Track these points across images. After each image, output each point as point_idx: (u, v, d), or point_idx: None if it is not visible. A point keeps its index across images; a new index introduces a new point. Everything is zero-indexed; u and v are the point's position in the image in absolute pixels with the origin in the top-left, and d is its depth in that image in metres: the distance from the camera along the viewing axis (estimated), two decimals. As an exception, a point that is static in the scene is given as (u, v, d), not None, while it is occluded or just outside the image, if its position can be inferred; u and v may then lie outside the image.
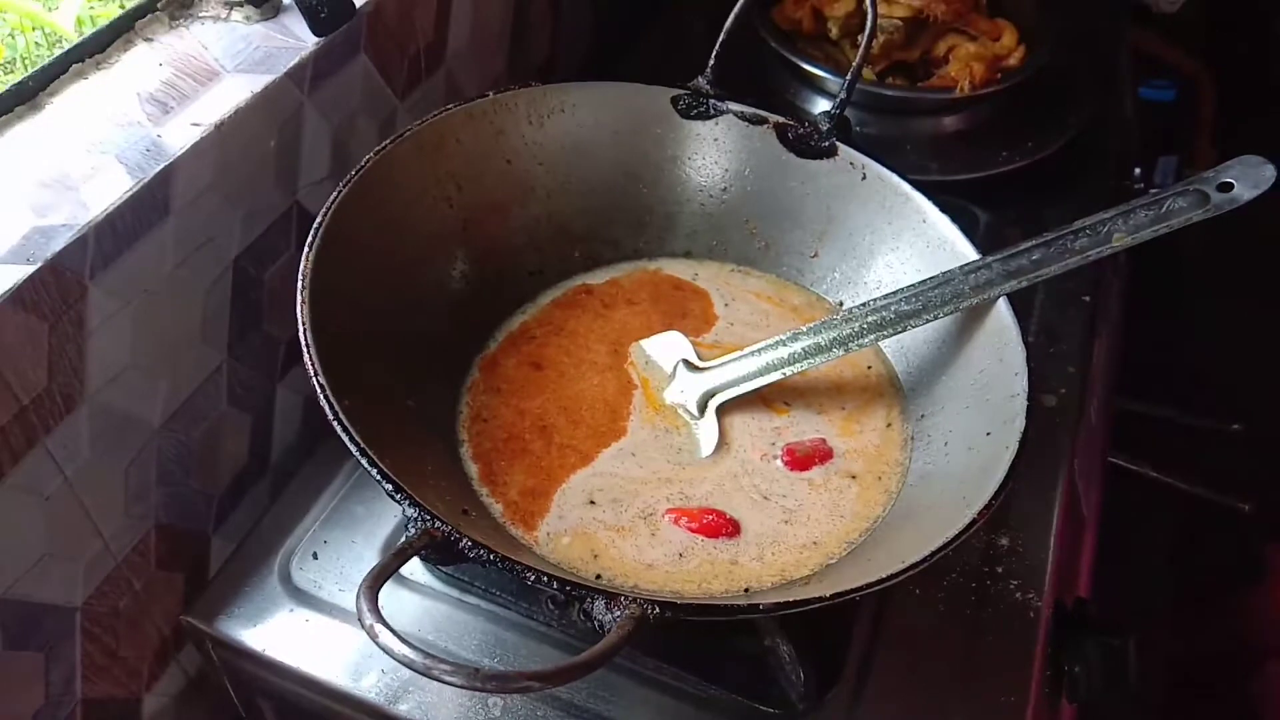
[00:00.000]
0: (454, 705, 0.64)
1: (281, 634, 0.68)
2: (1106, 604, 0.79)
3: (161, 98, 0.67)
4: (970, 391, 0.67)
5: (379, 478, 0.52)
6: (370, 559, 0.71)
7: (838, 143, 0.76)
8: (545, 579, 0.49)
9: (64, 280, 0.58)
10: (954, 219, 0.72)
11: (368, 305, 0.65)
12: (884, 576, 0.52)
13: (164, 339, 0.67)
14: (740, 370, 0.71)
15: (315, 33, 0.72)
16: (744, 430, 0.71)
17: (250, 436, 0.78)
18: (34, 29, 0.86)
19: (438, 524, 0.50)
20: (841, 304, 0.78)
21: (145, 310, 0.64)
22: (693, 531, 0.64)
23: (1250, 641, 1.14)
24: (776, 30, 1.03)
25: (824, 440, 0.71)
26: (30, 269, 0.56)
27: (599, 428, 0.69)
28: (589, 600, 0.49)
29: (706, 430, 0.70)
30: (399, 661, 0.42)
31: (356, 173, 0.66)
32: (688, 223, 0.81)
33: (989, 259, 0.68)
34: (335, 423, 0.53)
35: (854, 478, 0.69)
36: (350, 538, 0.73)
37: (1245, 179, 0.65)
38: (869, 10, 0.74)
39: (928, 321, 0.68)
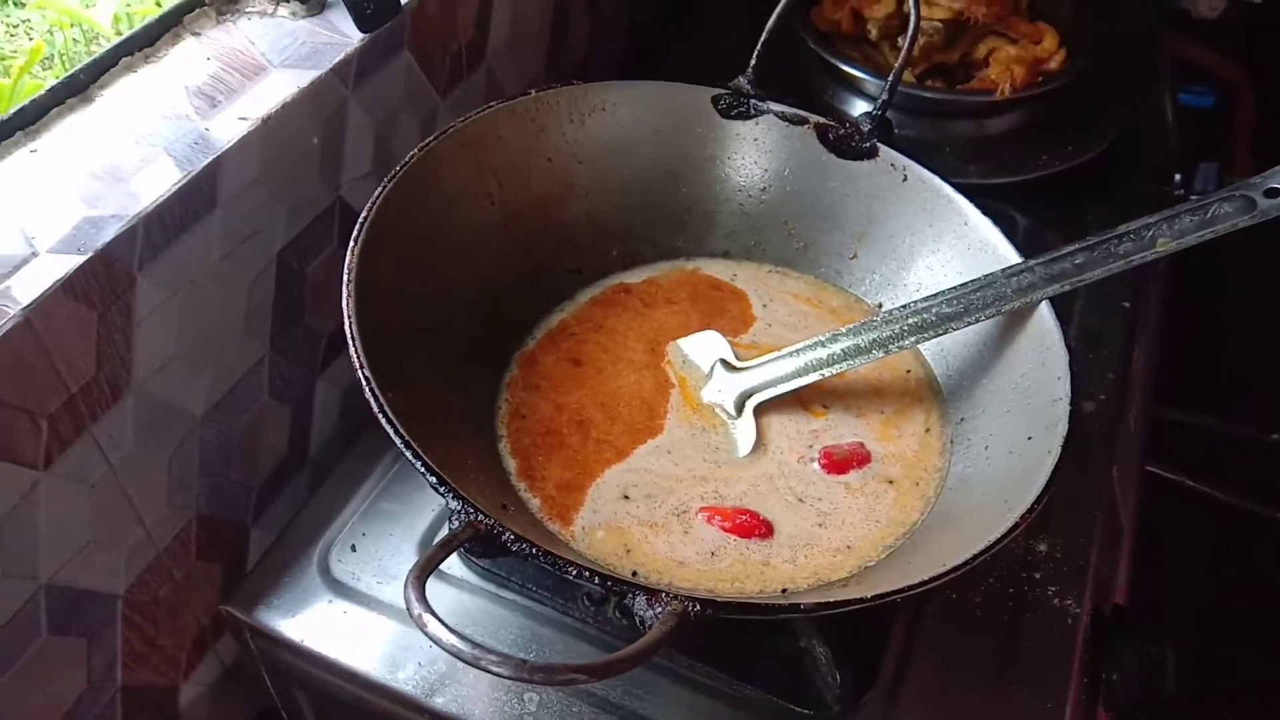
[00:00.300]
0: (489, 699, 0.64)
1: (319, 625, 0.69)
2: (1144, 613, 0.78)
3: (209, 92, 0.68)
4: (1011, 395, 0.67)
5: (423, 470, 0.52)
6: (408, 552, 0.72)
7: (879, 144, 0.76)
8: (587, 574, 0.50)
9: (113, 270, 0.59)
10: (995, 222, 0.72)
11: (410, 300, 0.65)
12: (925, 579, 0.52)
13: (208, 331, 0.68)
14: (778, 371, 0.71)
15: (361, 29, 0.73)
16: (781, 432, 0.71)
17: (290, 429, 0.79)
18: (72, 25, 0.88)
19: (481, 517, 0.50)
20: (881, 306, 0.78)
21: (191, 302, 0.65)
22: (726, 531, 0.64)
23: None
24: (815, 31, 1.03)
25: (862, 444, 0.71)
26: (81, 259, 0.57)
27: (635, 424, 0.69)
28: (629, 596, 0.49)
29: (744, 430, 0.70)
30: (448, 651, 0.42)
31: (401, 168, 0.66)
32: (726, 222, 0.81)
33: (1031, 262, 0.68)
34: (380, 415, 0.54)
35: (891, 482, 0.69)
36: (388, 530, 0.73)
37: (1294, 185, 0.65)
38: (911, 11, 0.73)
39: (969, 324, 0.68)
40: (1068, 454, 0.58)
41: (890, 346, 0.69)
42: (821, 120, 0.78)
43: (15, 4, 0.90)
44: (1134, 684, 0.69)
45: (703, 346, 0.75)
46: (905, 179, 0.76)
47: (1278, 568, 1.18)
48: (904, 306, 0.70)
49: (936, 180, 0.75)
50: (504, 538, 0.50)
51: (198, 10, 0.73)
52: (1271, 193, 0.65)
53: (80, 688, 0.66)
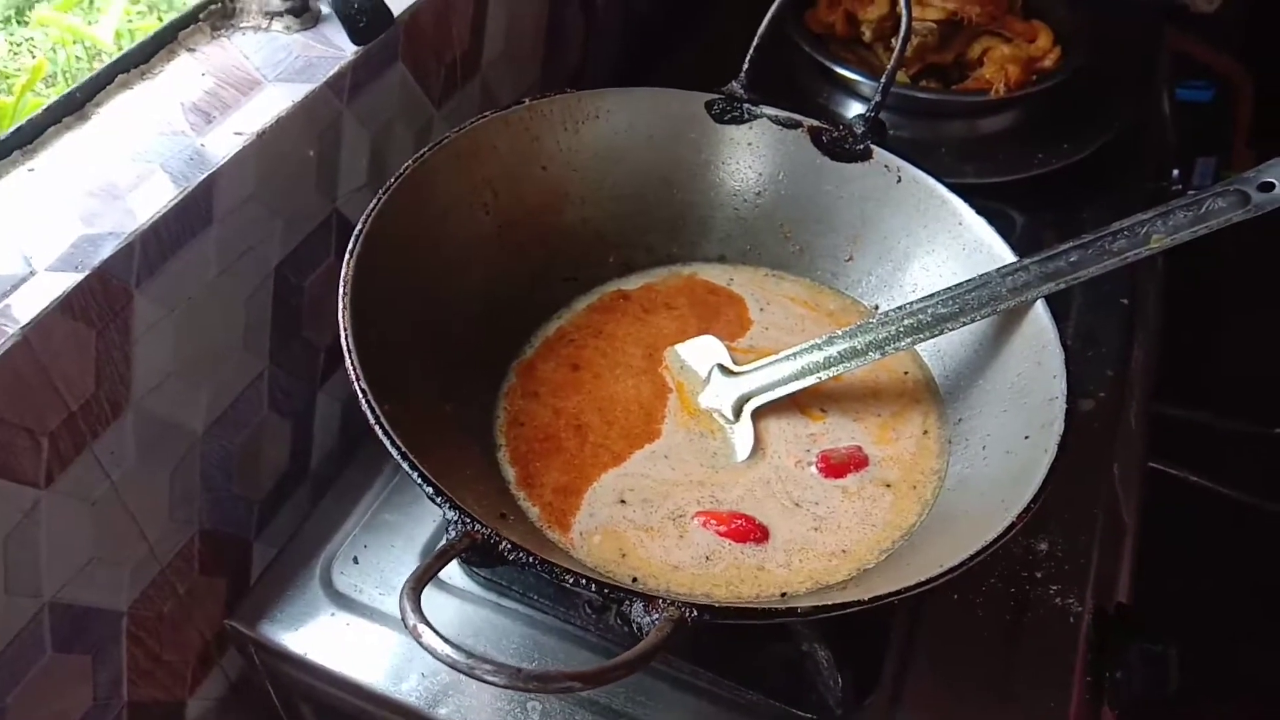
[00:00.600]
0: (492, 709, 0.65)
1: (323, 638, 0.69)
2: (1148, 611, 0.78)
3: (204, 107, 0.68)
4: (1008, 395, 0.67)
5: (420, 481, 0.52)
6: (410, 563, 0.72)
7: (873, 145, 0.76)
8: (584, 581, 0.50)
9: (111, 288, 0.59)
10: (990, 221, 0.72)
11: (406, 311, 0.66)
12: (921, 581, 0.52)
13: (207, 346, 0.68)
14: (776, 374, 0.71)
15: (354, 41, 0.73)
16: (779, 436, 0.71)
17: (291, 442, 0.79)
18: (75, 43, 0.88)
19: (478, 527, 0.50)
20: (877, 308, 0.78)
21: (189, 318, 0.65)
22: (721, 535, 0.64)
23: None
24: (809, 34, 1.03)
25: (860, 448, 0.71)
26: (78, 277, 0.57)
27: (633, 429, 0.70)
28: (626, 603, 0.49)
29: (742, 434, 0.70)
30: (442, 661, 0.42)
31: (396, 180, 0.67)
32: (722, 227, 0.81)
33: (1026, 261, 0.68)
34: (377, 427, 0.54)
35: (889, 486, 0.69)
36: (390, 542, 0.73)
37: (1288, 178, 0.65)
38: (904, 12, 0.74)
39: (965, 324, 0.68)
40: (1064, 453, 0.58)
41: (886, 348, 0.69)
42: (815, 123, 0.78)
43: (19, 22, 0.91)
44: (1138, 682, 0.69)
45: (700, 352, 0.75)
46: (899, 180, 0.76)
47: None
48: (900, 308, 0.70)
49: (930, 181, 0.75)
50: (501, 547, 0.50)
51: (193, 26, 0.74)
52: (1265, 187, 0.65)
53: (86, 705, 0.66)
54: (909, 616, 0.69)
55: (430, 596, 0.69)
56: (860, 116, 0.77)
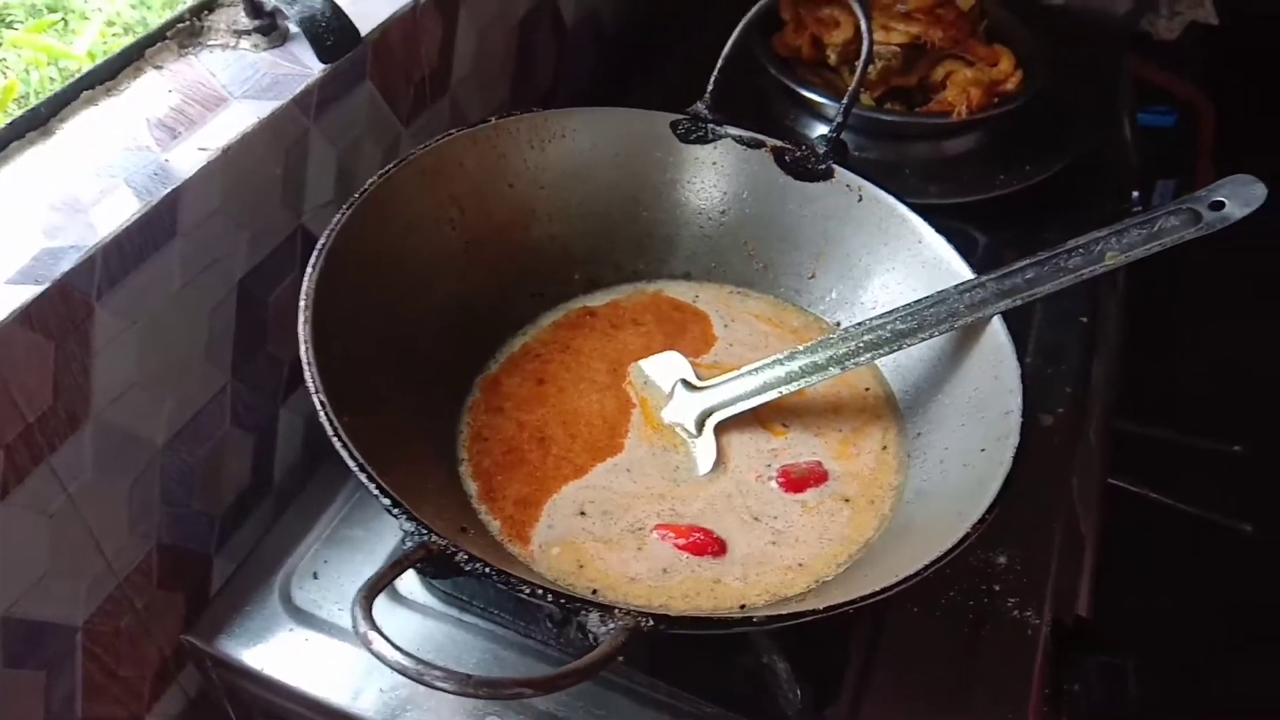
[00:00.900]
0: (452, 723, 0.64)
1: (281, 653, 0.68)
2: (1109, 626, 0.79)
3: (170, 123, 0.69)
4: (966, 409, 0.68)
5: (376, 492, 0.52)
6: (371, 578, 0.72)
7: (834, 165, 0.77)
8: (540, 592, 0.50)
9: (71, 300, 0.59)
10: (950, 240, 0.73)
11: (369, 326, 0.66)
12: (876, 590, 0.53)
13: (169, 359, 0.68)
14: (738, 389, 0.72)
15: (321, 59, 0.73)
16: (741, 451, 0.72)
17: (253, 457, 0.79)
18: (49, 64, 0.88)
19: (434, 538, 0.50)
20: (839, 325, 0.79)
21: (151, 330, 0.65)
22: (679, 548, 0.65)
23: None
24: (776, 58, 1.04)
25: (819, 463, 0.72)
26: (38, 289, 0.57)
27: (596, 443, 0.70)
28: (583, 613, 0.49)
29: (704, 448, 0.71)
30: (392, 668, 0.42)
31: (360, 195, 0.67)
32: (687, 245, 0.82)
33: (984, 278, 0.69)
34: (335, 438, 0.54)
35: (847, 501, 0.69)
36: (351, 558, 0.73)
37: (1237, 197, 0.66)
38: (865, 34, 0.75)
39: (923, 340, 0.69)
40: (1020, 465, 0.59)
41: (846, 363, 0.70)
42: (778, 143, 0.79)
43: (-10, 43, 0.91)
44: (1095, 694, 0.70)
45: (664, 367, 0.75)
46: (860, 199, 0.77)
47: (1243, 579, 1.19)
48: (860, 324, 0.71)
49: (891, 200, 0.76)
50: (457, 558, 0.50)
51: (160, 44, 0.74)
52: (1216, 205, 0.67)
53: (40, 721, 0.65)
54: (869, 629, 0.70)
55: (390, 611, 0.70)
56: (822, 137, 0.78)
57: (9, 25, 0.86)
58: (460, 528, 0.62)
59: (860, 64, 0.76)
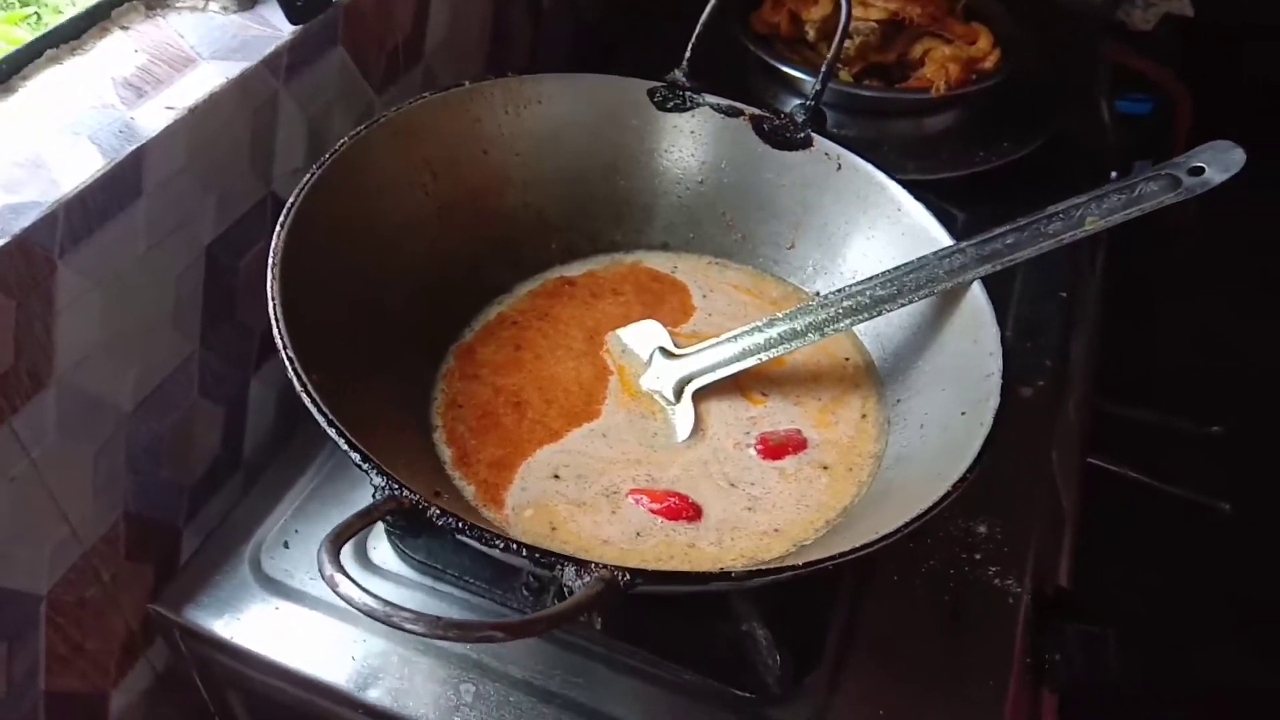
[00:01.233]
0: (424, 691, 0.63)
1: (251, 622, 0.67)
2: (1088, 600, 0.78)
3: (136, 82, 0.67)
4: (946, 374, 0.67)
5: (346, 448, 0.51)
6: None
7: (813, 134, 0.77)
8: (515, 547, 0.49)
9: (32, 257, 0.57)
10: (929, 209, 0.72)
11: (340, 288, 0.65)
12: (857, 546, 0.52)
13: (135, 323, 0.66)
14: (716, 356, 0.71)
15: (291, 20, 0.72)
16: (719, 419, 0.71)
17: (223, 429, 0.78)
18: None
19: (405, 493, 0.49)
20: (818, 294, 0.78)
21: (116, 292, 0.64)
22: (653, 513, 0.64)
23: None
24: (754, 35, 1.04)
25: (798, 430, 0.71)
26: (-3, 243, 0.56)
27: (572, 409, 0.69)
28: (559, 568, 0.48)
29: (682, 415, 0.70)
30: (360, 610, 0.41)
31: (331, 155, 0.66)
32: (665, 215, 0.81)
33: (964, 244, 0.69)
34: (303, 393, 0.53)
35: (826, 468, 0.69)
36: (322, 528, 0.71)
37: (1216, 163, 0.66)
38: (843, 3, 0.74)
39: (903, 305, 0.68)
40: (1000, 425, 0.58)
41: (826, 329, 0.69)
42: (756, 111, 0.78)
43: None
44: (1076, 663, 0.69)
45: (642, 335, 0.74)
46: (839, 168, 0.76)
47: (1223, 558, 1.20)
48: (839, 290, 0.70)
49: (869, 168, 0.75)
50: (429, 513, 0.49)
51: (126, 4, 0.72)
52: (1195, 171, 0.67)
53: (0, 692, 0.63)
54: (849, 596, 0.69)
55: (363, 578, 0.68)
56: (801, 105, 0.77)
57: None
58: (434, 491, 0.61)
59: (839, 29, 0.75)
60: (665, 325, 0.75)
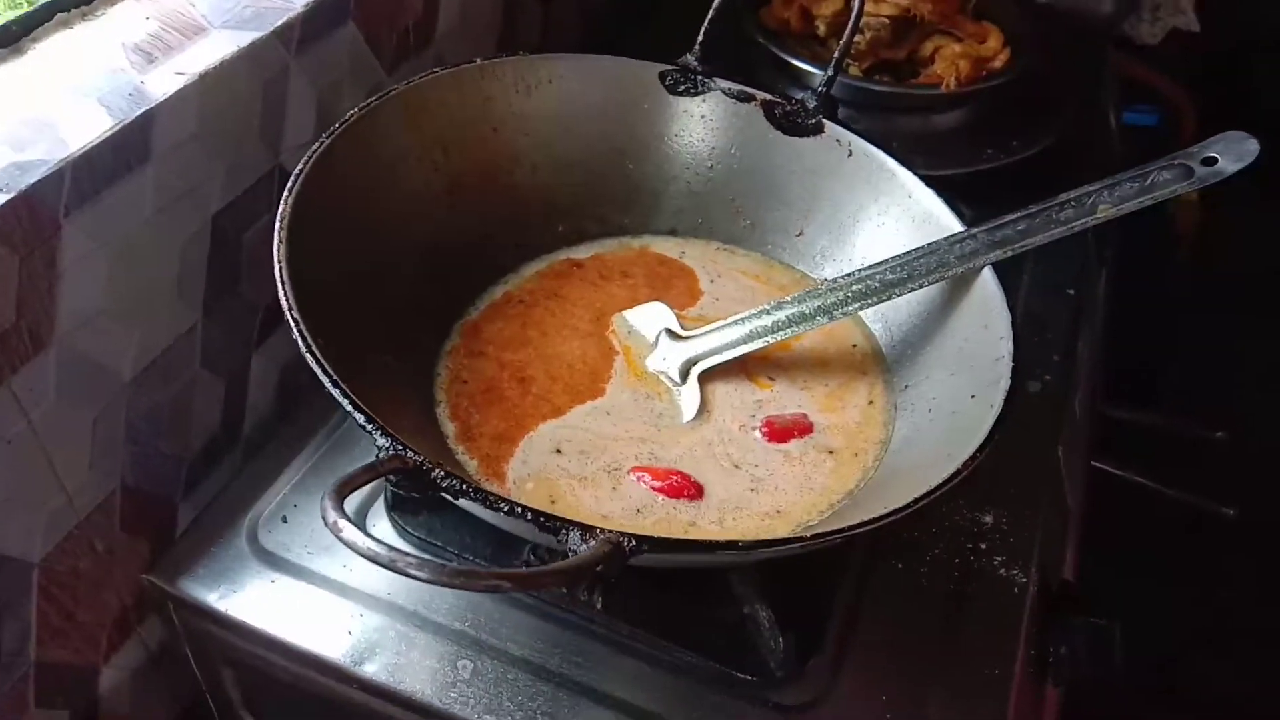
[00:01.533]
0: (422, 667, 0.62)
1: (247, 595, 0.66)
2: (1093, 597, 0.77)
3: (147, 48, 0.67)
4: (955, 359, 0.67)
5: (350, 408, 0.50)
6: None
7: (824, 120, 0.76)
8: (519, 510, 0.48)
9: (38, 214, 0.57)
10: (939, 194, 0.72)
11: (346, 259, 0.64)
12: (865, 520, 0.51)
13: (139, 289, 0.66)
14: (724, 338, 0.71)
15: (303, -8, 0.72)
16: (726, 401, 0.70)
17: (223, 404, 0.77)
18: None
19: (409, 453, 0.48)
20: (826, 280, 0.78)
21: (121, 256, 0.63)
22: (655, 490, 0.63)
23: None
24: (765, 30, 1.04)
25: (805, 414, 0.70)
26: (2, 198, 0.55)
27: (577, 386, 0.68)
28: (563, 533, 0.47)
29: (688, 396, 0.69)
30: (364, 556, 0.40)
31: (341, 125, 0.65)
32: (674, 200, 0.81)
33: (975, 230, 0.68)
34: (307, 354, 0.52)
35: (831, 453, 0.68)
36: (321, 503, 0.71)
37: (1229, 153, 0.66)
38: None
39: (912, 290, 0.68)
40: (1011, 407, 0.58)
41: (835, 313, 0.69)
42: (768, 97, 0.78)
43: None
44: (1081, 656, 0.69)
45: (648, 317, 0.74)
46: (850, 154, 0.76)
47: (1226, 564, 1.19)
48: (848, 275, 0.70)
49: (880, 155, 0.75)
50: (434, 474, 0.48)
51: (138, -26, 0.72)
52: (1208, 161, 0.66)
53: (-10, 661, 0.62)
54: (853, 582, 0.68)
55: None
56: (813, 91, 0.77)
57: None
58: (436, 464, 0.60)
59: (850, 22, 0.75)
60: (673, 309, 0.75)
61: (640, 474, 0.63)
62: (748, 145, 0.79)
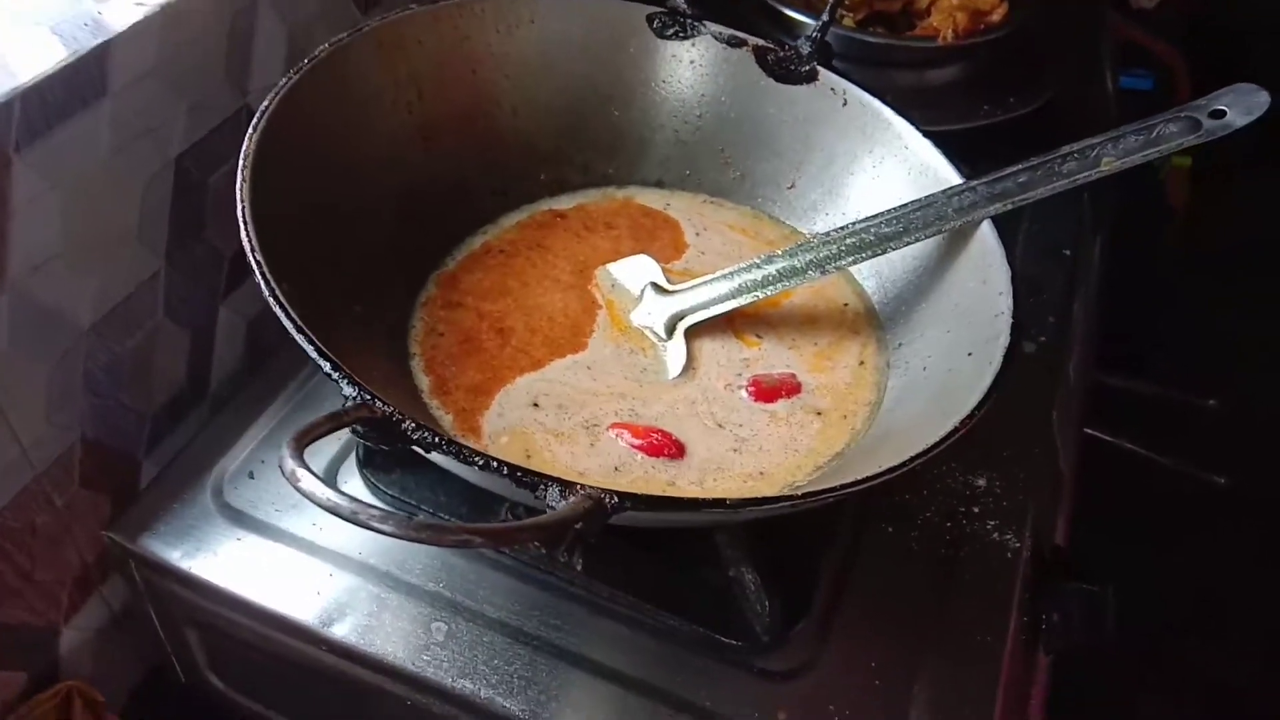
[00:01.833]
0: (394, 629, 0.60)
1: (212, 554, 0.63)
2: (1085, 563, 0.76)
3: (105, -22, 0.63)
4: (951, 315, 0.64)
5: (315, 355, 0.47)
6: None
7: (818, 67, 0.73)
8: (495, 464, 0.45)
9: (-15, 149, 0.54)
10: (935, 145, 0.69)
11: (315, 202, 0.61)
12: (859, 479, 0.49)
13: (96, 233, 0.62)
14: (711, 293, 0.68)
15: (272, -79, 0.68)
16: (712, 359, 0.68)
17: (188, 356, 0.74)
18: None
19: (379, 403, 0.46)
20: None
21: (77, 197, 0.60)
22: (634, 448, 0.60)
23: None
24: (757, -20, 1.00)
25: (793, 375, 0.68)
26: (-54, 131, 0.52)
27: (558, 339, 0.66)
28: (541, 489, 0.45)
29: (674, 353, 0.67)
30: (324, 508, 0.38)
31: (310, 61, 0.62)
32: (660, 150, 0.78)
33: (974, 183, 0.66)
34: (270, 297, 0.49)
35: (819, 414, 0.66)
36: (291, 460, 0.68)
37: (1238, 105, 0.63)
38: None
39: (909, 244, 0.65)
40: (1010, 364, 0.55)
41: (827, 267, 0.66)
42: (760, 42, 0.75)
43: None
44: (1075, 623, 0.67)
45: (633, 270, 0.71)
46: (845, 103, 0.73)
47: (1219, 534, 1.18)
48: (842, 228, 0.67)
49: (876, 104, 0.72)
50: (404, 426, 0.46)
51: (97, -97, 0.68)
52: (1216, 114, 0.63)
53: (-59, 620, 0.60)
54: (842, 546, 0.66)
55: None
56: (806, 37, 0.74)
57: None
58: (406, 415, 0.57)
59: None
60: (656, 261, 0.72)
61: (619, 430, 0.61)
62: (738, 93, 0.76)
